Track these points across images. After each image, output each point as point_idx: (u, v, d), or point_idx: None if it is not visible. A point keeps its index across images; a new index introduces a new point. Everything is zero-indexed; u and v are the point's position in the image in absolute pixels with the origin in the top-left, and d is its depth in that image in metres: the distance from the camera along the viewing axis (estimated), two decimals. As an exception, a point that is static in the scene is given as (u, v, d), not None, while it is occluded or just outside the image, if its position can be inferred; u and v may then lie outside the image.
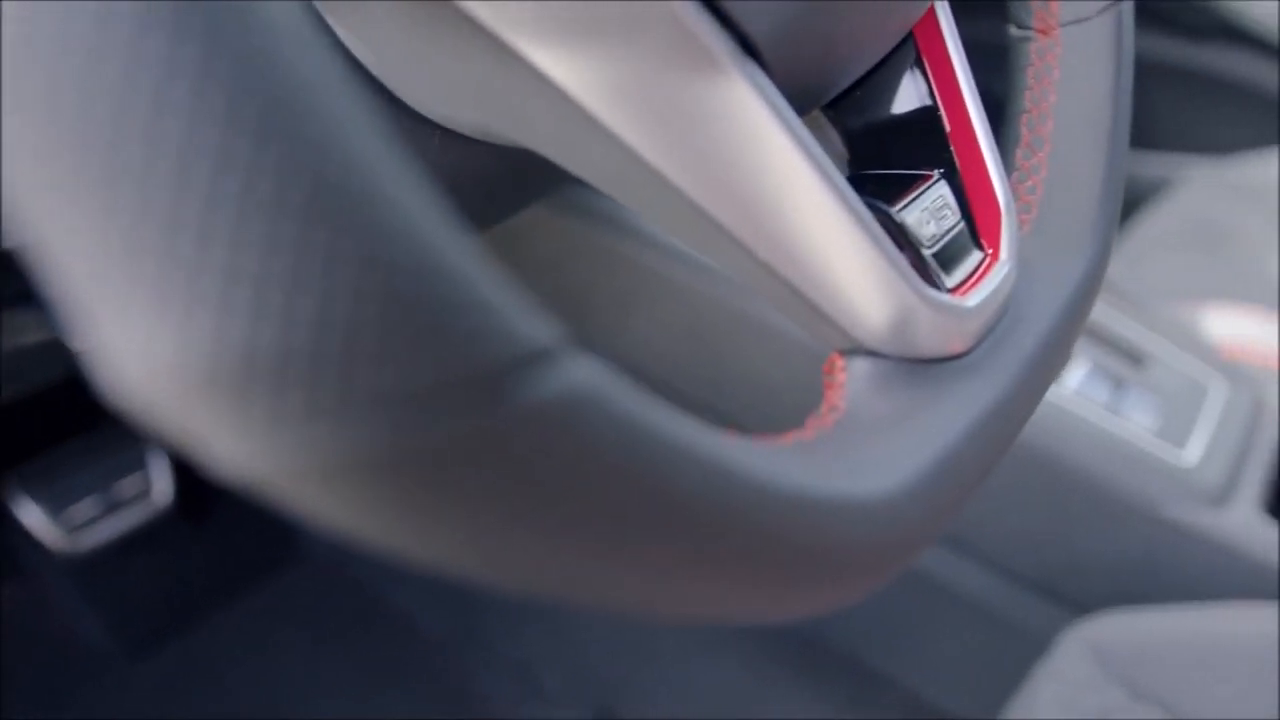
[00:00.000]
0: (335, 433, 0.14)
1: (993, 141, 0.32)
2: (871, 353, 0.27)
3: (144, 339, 0.14)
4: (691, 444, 0.17)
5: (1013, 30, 0.38)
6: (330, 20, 0.29)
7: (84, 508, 0.89)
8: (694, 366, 0.76)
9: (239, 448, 0.14)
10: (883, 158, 0.32)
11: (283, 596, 1.00)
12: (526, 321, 0.15)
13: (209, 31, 0.13)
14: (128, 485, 0.91)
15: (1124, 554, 0.69)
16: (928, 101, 0.32)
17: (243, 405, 0.14)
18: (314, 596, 1.00)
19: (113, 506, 0.90)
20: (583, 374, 0.16)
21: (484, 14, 0.22)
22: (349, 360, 0.14)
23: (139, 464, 0.92)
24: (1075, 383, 0.70)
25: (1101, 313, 0.75)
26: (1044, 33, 0.38)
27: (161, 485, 0.92)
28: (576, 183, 0.28)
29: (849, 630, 0.81)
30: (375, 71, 0.30)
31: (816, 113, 0.32)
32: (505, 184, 0.36)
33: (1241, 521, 0.67)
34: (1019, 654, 0.71)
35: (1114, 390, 0.71)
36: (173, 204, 0.13)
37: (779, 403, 0.72)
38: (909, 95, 0.32)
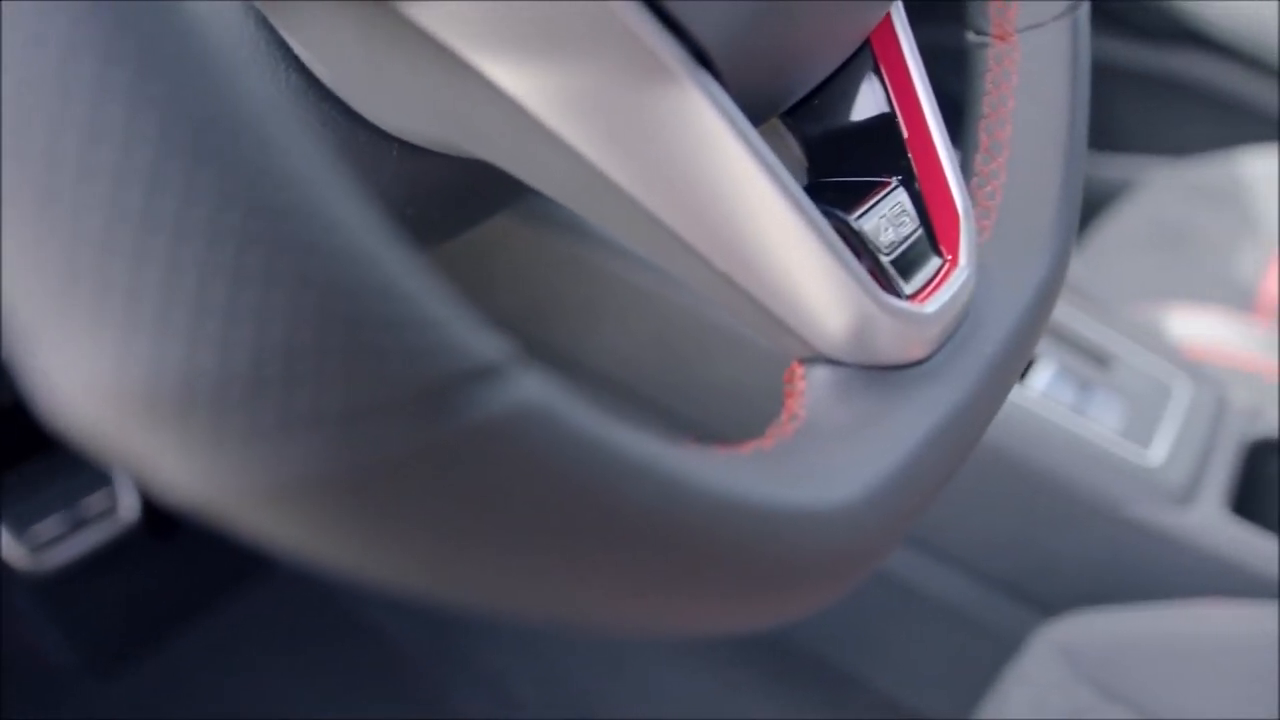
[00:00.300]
0: (277, 454, 0.14)
1: (950, 147, 0.32)
2: (831, 361, 0.27)
3: (82, 364, 0.13)
4: (645, 457, 0.17)
5: (971, 36, 0.38)
6: (285, 35, 0.29)
7: (49, 525, 0.88)
8: (662, 374, 0.76)
9: (182, 471, 0.14)
10: (841, 165, 0.32)
11: (254, 612, 0.99)
12: (472, 337, 0.15)
13: (141, 53, 0.13)
14: (94, 502, 0.90)
15: (1091, 554, 0.69)
16: (885, 108, 0.32)
17: (183, 429, 0.14)
18: (286, 611, 0.99)
19: (78, 524, 0.89)
20: (531, 389, 0.15)
21: (435, 26, 0.22)
22: (289, 381, 0.13)
23: (105, 480, 0.91)
24: (1042, 385, 0.71)
25: (1067, 315, 0.76)
26: (1001, 38, 0.38)
27: (128, 502, 0.91)
28: (539, 193, 0.28)
29: (820, 634, 0.81)
30: (331, 85, 0.29)
31: (775, 120, 0.32)
32: (467, 195, 0.36)
33: (1206, 520, 0.68)
34: (990, 655, 0.71)
35: (1079, 392, 0.71)
36: (107, 227, 0.13)
37: (748, 409, 0.72)
38: (866, 102, 0.32)
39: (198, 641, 0.96)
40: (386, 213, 0.34)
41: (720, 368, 0.73)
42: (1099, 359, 0.75)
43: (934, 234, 0.31)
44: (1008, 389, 0.33)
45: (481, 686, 0.93)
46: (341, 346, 0.14)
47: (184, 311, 0.13)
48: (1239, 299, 1.01)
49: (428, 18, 0.22)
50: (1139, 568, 0.68)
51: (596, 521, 0.16)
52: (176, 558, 0.98)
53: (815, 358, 0.27)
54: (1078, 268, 0.84)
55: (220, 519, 0.15)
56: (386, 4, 0.22)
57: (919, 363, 0.28)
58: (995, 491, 0.69)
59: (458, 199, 0.35)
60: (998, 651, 0.70)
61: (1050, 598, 0.71)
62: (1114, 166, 1.32)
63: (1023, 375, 0.72)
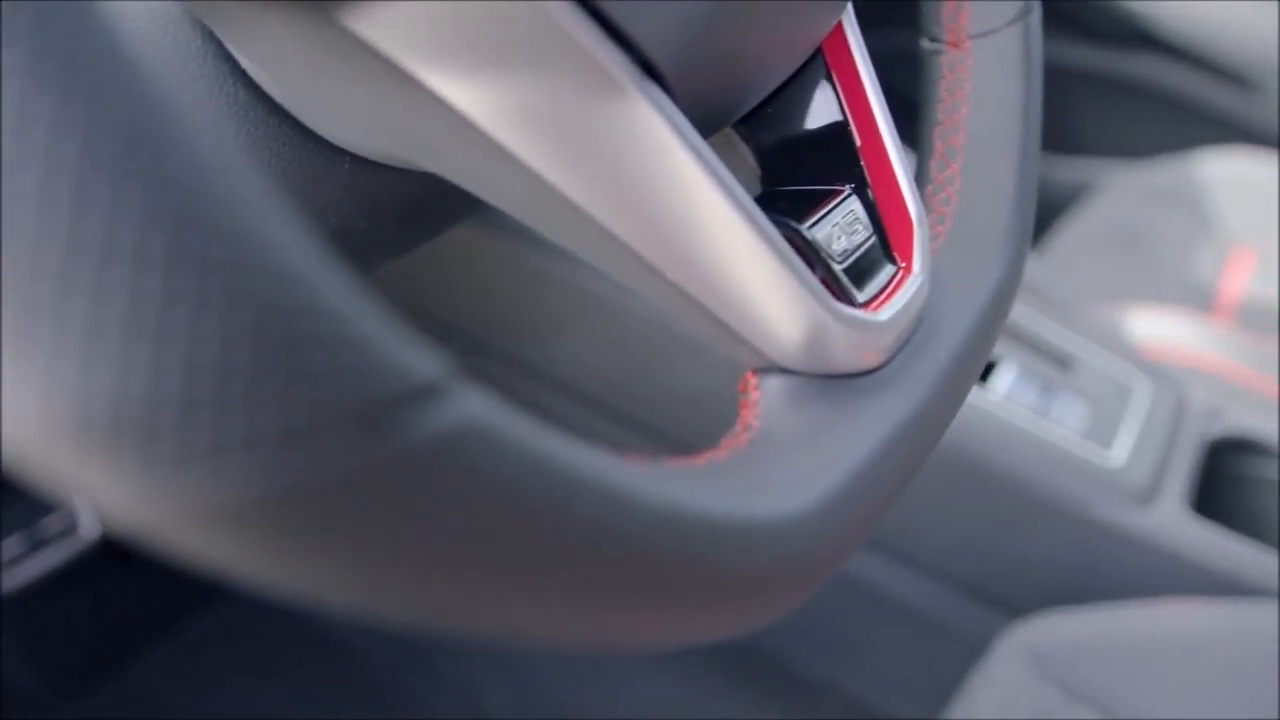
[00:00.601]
0: (212, 478, 0.13)
1: (903, 155, 0.32)
2: (785, 370, 0.27)
3: (13, 391, 0.13)
4: (590, 472, 0.17)
5: (925, 43, 0.39)
6: (231, 49, 0.28)
7: (8, 546, 0.86)
8: (626, 382, 0.76)
9: (117, 497, 0.14)
10: (795, 173, 0.32)
11: (219, 630, 0.98)
12: (411, 357, 0.15)
13: (63, 74, 0.13)
14: (53, 522, 0.88)
15: (1055, 555, 0.70)
16: (838, 116, 0.32)
17: (116, 455, 0.13)
18: (252, 627, 0.98)
19: (38, 544, 0.88)
20: (472, 407, 0.15)
21: (377, 39, 0.22)
22: (222, 404, 0.13)
23: (64, 500, 0.90)
24: (1004, 388, 0.71)
25: (1028, 317, 0.77)
26: (954, 45, 0.38)
27: (88, 522, 0.90)
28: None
29: (790, 640, 0.81)
30: (280, 100, 0.29)
31: (728, 130, 0.32)
32: (423, 208, 0.35)
33: (1168, 520, 0.68)
34: (958, 657, 0.72)
35: (1042, 394, 0.72)
36: (31, 252, 0.13)
37: (712, 416, 0.72)
38: (819, 111, 0.32)
39: (161, 661, 0.95)
40: (341, 227, 0.34)
41: (684, 375, 0.73)
42: (1061, 361, 0.75)
43: (888, 241, 0.31)
44: (964, 394, 0.33)
45: (453, 698, 0.92)
46: (276, 368, 0.13)
47: (113, 336, 0.13)
48: (1197, 299, 1.02)
49: (369, 30, 0.22)
50: (1103, 568, 0.69)
51: (542, 539, 0.16)
52: (138, 577, 0.97)
53: (769, 367, 0.27)
54: (1039, 270, 0.85)
55: (159, 544, 0.15)
56: (328, 17, 0.22)
57: (873, 370, 0.28)
58: (960, 495, 0.70)
59: (413, 212, 0.35)
60: (965, 654, 0.71)
61: (1016, 599, 0.71)
62: (1073, 169, 1.33)
63: (985, 378, 0.72)
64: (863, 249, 0.30)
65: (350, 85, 0.25)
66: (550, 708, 0.89)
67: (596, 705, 0.88)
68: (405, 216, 0.35)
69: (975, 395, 0.70)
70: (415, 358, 0.15)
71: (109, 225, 0.13)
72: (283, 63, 0.27)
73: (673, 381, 0.74)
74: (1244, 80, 1.33)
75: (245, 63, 0.28)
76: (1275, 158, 1.22)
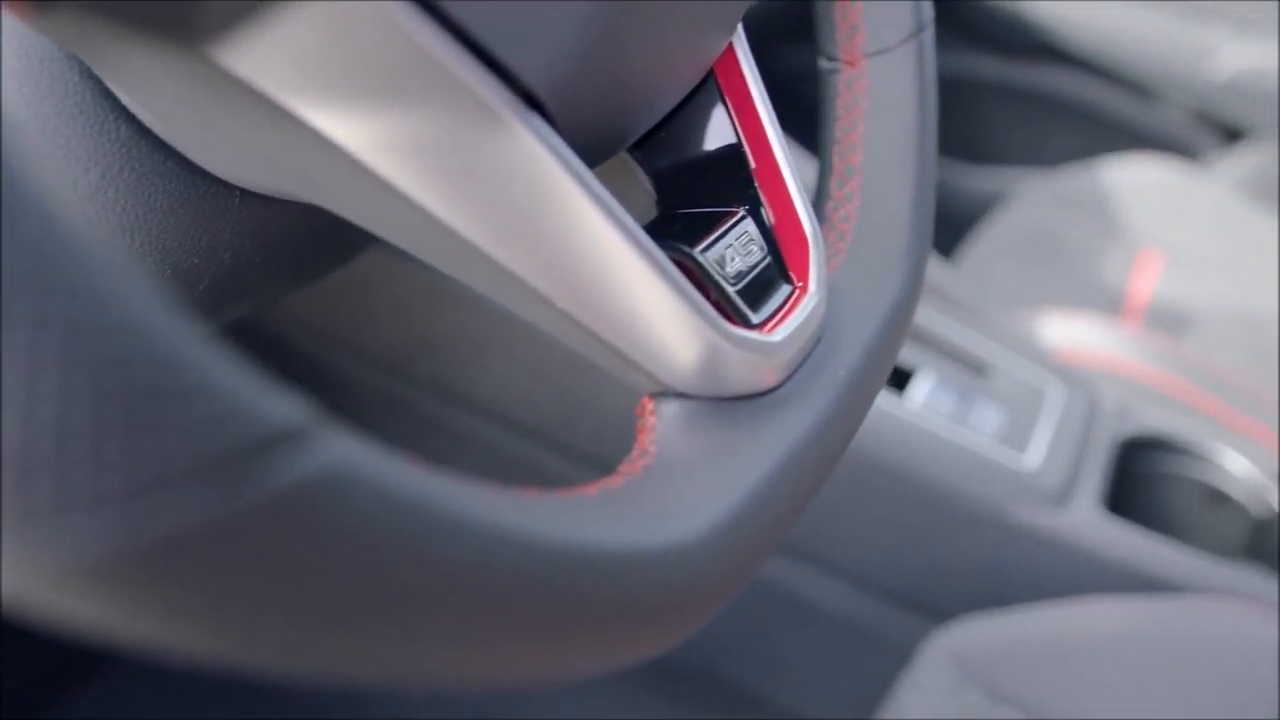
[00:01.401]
0: (57, 539, 0.13)
1: (797, 175, 0.32)
2: (681, 394, 0.27)
3: None
4: (465, 512, 0.17)
5: (822, 62, 0.39)
6: (111, 87, 0.28)
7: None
8: (551, 405, 0.76)
9: None
10: (691, 196, 0.32)
11: (142, 673, 0.95)
12: (265, 404, 0.14)
13: None
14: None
15: (977, 560, 0.71)
16: (732, 139, 0.32)
17: None
18: (177, 669, 0.95)
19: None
20: (334, 452, 0.15)
21: (251, 75, 0.22)
22: (63, 463, 0.13)
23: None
24: (922, 396, 0.72)
25: (945, 326, 0.78)
26: (850, 64, 0.39)
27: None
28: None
29: (720, 653, 0.81)
30: (164, 136, 0.29)
31: (624, 155, 0.33)
32: (320, 240, 0.35)
33: (1083, 520, 0.70)
34: (887, 664, 0.72)
35: (958, 401, 0.73)
36: None
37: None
38: (713, 133, 0.32)
39: (81, 710, 0.92)
40: (235, 262, 0.34)
41: (608, 396, 0.73)
42: (976, 368, 0.77)
43: (783, 261, 0.31)
44: (865, 408, 0.33)
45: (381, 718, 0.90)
46: (118, 423, 0.13)
47: None
48: (1107, 303, 1.05)
49: (241, 66, 0.21)
50: (1022, 570, 0.70)
51: (414, 583, 0.16)
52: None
53: (665, 392, 0.27)
54: (956, 279, 0.86)
55: (11, 609, 0.14)
56: (199, 53, 0.21)
57: (771, 391, 0.28)
58: (882, 504, 0.71)
59: (309, 245, 0.34)
60: (894, 660, 0.71)
61: (941, 605, 0.72)
62: (987, 179, 1.36)
63: (902, 388, 0.73)
64: (757, 270, 0.30)
65: (228, 121, 0.25)
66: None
67: (526, 724, 0.87)
68: (301, 250, 0.34)
69: (894, 405, 0.71)
70: (270, 405, 0.14)
71: None
72: (160, 99, 0.26)
73: (597, 403, 0.74)
74: (1146, 90, 1.37)
75: (124, 99, 0.28)
76: (1179, 163, 1.26)
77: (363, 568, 0.15)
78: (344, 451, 0.15)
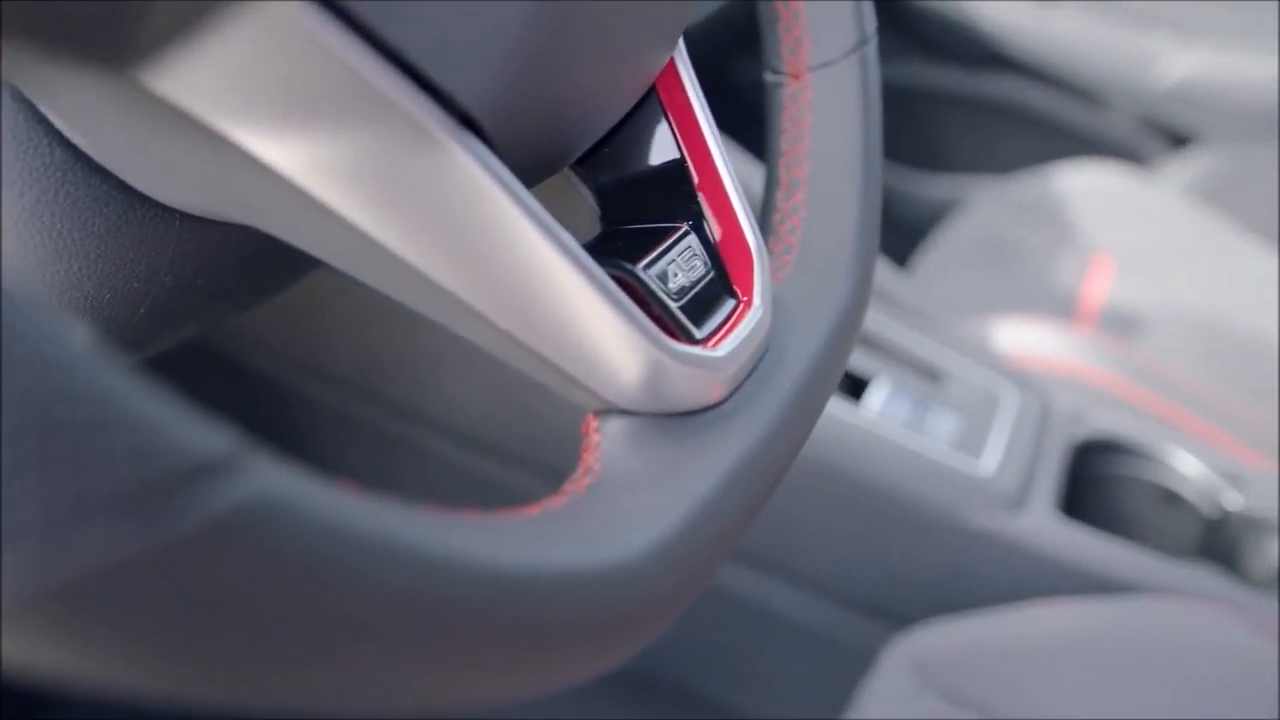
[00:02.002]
0: None
1: (740, 189, 0.32)
2: (625, 411, 0.27)
3: None
4: (398, 537, 0.17)
5: (768, 75, 0.39)
6: (44, 111, 0.27)
7: None
8: (510, 421, 0.75)
9: None
10: (634, 212, 0.32)
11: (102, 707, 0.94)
12: (189, 434, 0.14)
13: None
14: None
15: (934, 566, 0.71)
16: (675, 154, 0.32)
17: None
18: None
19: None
20: (261, 481, 0.15)
21: (181, 98, 0.21)
22: None
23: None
24: (878, 404, 0.73)
25: (899, 333, 0.78)
26: (795, 77, 0.39)
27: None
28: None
29: (683, 664, 0.81)
30: (100, 160, 0.28)
31: (567, 171, 0.33)
32: (262, 262, 0.35)
33: (1038, 523, 0.70)
34: (849, 671, 0.73)
35: (914, 408, 0.74)
36: None
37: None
38: (656, 149, 0.33)
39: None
40: (177, 285, 0.33)
41: (565, 410, 0.72)
42: (931, 375, 0.77)
43: (727, 275, 0.31)
44: (812, 421, 0.33)
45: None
46: (34, 459, 0.13)
47: None
48: (1061, 308, 1.06)
49: (172, 90, 0.21)
50: (979, 575, 0.71)
51: (347, 611, 0.16)
52: None
53: (609, 409, 0.27)
54: (911, 286, 0.87)
55: None
56: (128, 78, 0.21)
57: (716, 406, 0.28)
58: (839, 511, 0.71)
59: (252, 266, 0.34)
60: (855, 667, 0.72)
61: (900, 611, 0.73)
62: (941, 186, 1.37)
63: (858, 396, 0.73)
64: (701, 284, 0.30)
65: (162, 145, 0.25)
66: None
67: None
68: (245, 271, 0.34)
69: (850, 413, 0.71)
70: (194, 435, 0.14)
71: None
72: (93, 123, 0.26)
73: (555, 417, 0.74)
74: (1095, 97, 1.39)
75: (58, 123, 0.27)
76: (1128, 169, 1.28)
77: (293, 598, 0.15)
78: (272, 480, 0.15)
